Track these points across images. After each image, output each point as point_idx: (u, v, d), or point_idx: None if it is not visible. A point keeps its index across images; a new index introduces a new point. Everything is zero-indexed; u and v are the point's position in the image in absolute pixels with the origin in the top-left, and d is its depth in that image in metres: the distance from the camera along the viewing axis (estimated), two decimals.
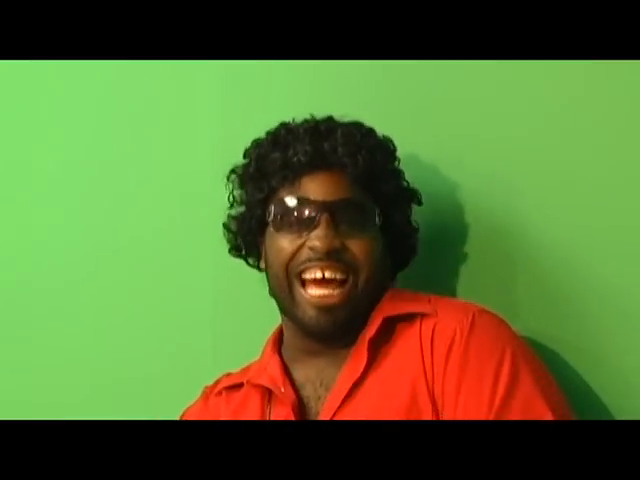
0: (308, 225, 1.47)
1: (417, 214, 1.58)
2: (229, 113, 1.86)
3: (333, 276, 1.47)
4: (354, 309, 1.48)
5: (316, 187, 1.48)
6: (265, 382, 1.52)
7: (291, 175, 1.49)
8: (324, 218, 1.46)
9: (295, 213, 1.48)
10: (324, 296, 1.47)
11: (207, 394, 1.62)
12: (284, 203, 1.49)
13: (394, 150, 1.56)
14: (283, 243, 1.49)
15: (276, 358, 1.54)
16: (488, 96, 1.62)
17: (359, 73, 1.73)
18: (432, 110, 1.67)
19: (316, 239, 1.46)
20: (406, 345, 1.45)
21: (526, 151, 1.58)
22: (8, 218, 2.05)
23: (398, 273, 1.60)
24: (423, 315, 1.45)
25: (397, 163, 1.56)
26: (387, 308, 1.49)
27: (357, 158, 1.48)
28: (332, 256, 1.46)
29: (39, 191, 2.03)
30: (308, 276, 1.48)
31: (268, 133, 1.55)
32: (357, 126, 1.53)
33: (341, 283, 1.47)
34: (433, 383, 1.40)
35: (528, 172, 1.58)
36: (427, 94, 1.68)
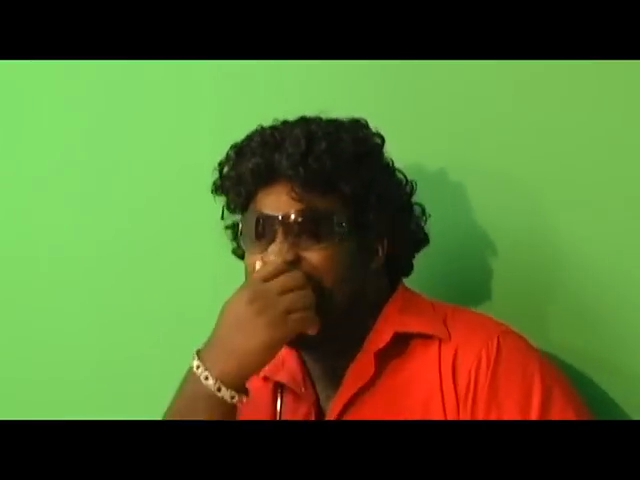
0: (268, 240, 1.46)
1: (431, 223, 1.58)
2: (225, 114, 1.87)
3: None
4: (326, 316, 1.43)
5: (271, 201, 1.47)
6: (285, 379, 1.52)
7: (244, 191, 1.49)
8: (279, 232, 1.45)
9: (255, 229, 1.48)
10: None
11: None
12: (245, 219, 1.50)
13: (361, 148, 1.49)
14: (249, 259, 1.48)
15: (294, 354, 1.53)
16: (492, 96, 1.63)
17: (357, 73, 1.73)
18: (434, 111, 1.67)
19: (271, 253, 1.45)
20: (422, 367, 1.43)
21: (538, 151, 1.58)
22: (10, 213, 2.06)
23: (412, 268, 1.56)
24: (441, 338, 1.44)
25: (369, 160, 1.49)
26: (398, 320, 1.47)
27: (298, 169, 1.44)
28: (288, 270, 1.43)
29: (39, 189, 2.03)
30: None
31: (232, 147, 1.53)
32: (308, 130, 1.48)
33: None
34: (458, 411, 1.38)
35: (541, 174, 1.58)
36: (429, 94, 1.68)
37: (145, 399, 1.83)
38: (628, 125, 1.51)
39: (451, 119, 1.65)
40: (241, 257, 1.56)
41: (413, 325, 1.46)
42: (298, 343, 1.45)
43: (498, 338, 1.40)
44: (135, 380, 1.91)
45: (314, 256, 1.45)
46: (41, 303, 2.01)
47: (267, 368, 1.52)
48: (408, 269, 1.57)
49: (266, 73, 1.81)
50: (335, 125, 1.50)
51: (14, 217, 2.05)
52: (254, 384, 1.53)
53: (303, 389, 1.50)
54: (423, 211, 1.56)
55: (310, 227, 1.45)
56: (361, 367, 1.46)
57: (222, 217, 1.56)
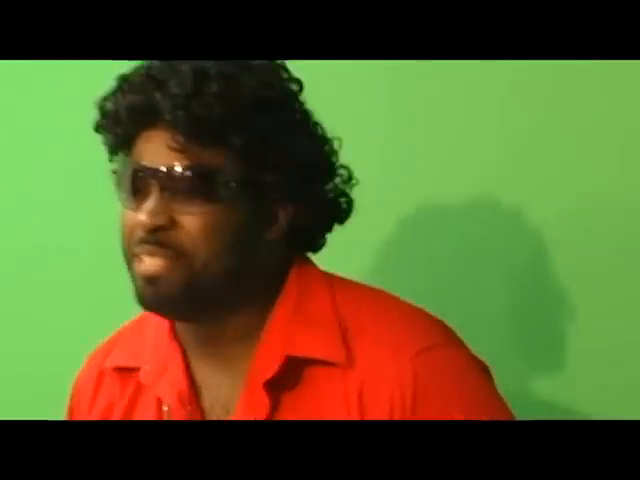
0: (142, 196, 1.25)
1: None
2: None
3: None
4: (190, 287, 1.23)
5: (149, 150, 1.25)
6: (166, 394, 1.30)
7: (121, 134, 1.27)
8: (154, 188, 1.23)
9: (129, 181, 1.26)
10: (152, 265, 1.24)
11: (99, 366, 1.41)
12: (121, 169, 1.28)
13: (265, 94, 1.26)
14: (122, 217, 1.27)
15: (176, 348, 1.31)
16: (489, 96, 1.63)
17: (356, 73, 1.73)
18: (431, 111, 1.67)
19: (143, 213, 1.23)
20: (328, 402, 1.23)
21: (537, 152, 1.58)
22: (7, 208, 2.06)
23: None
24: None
25: (274, 110, 1.26)
26: (288, 336, 1.25)
27: (179, 114, 1.21)
28: (158, 237, 1.23)
29: (39, 185, 2.03)
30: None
31: (118, 78, 1.30)
32: (199, 69, 1.25)
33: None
34: None
35: (540, 174, 1.58)
36: (427, 94, 1.68)
37: None
38: (628, 125, 1.51)
39: (448, 119, 1.65)
40: None
41: (306, 346, 1.25)
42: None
43: (413, 365, 1.20)
44: None
45: (190, 222, 1.23)
46: (39, 300, 2.01)
47: (146, 370, 1.33)
48: (316, 243, 1.34)
49: None
50: (238, 66, 1.28)
51: (11, 212, 2.05)
52: (137, 379, 1.35)
53: (189, 407, 1.29)
54: (350, 176, 1.33)
55: (191, 185, 1.23)
56: (252, 400, 1.25)
57: (110, 159, 1.33)
